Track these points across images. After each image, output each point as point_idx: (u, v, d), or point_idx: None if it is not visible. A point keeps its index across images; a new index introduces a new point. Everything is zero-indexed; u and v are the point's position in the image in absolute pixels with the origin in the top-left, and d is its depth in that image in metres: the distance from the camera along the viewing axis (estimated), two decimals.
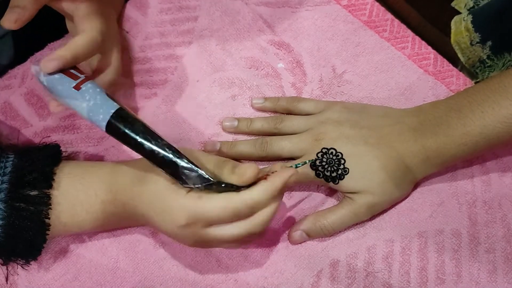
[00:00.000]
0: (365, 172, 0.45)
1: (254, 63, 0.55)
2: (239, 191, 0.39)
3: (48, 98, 0.43)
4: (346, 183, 0.45)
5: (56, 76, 0.40)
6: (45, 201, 0.40)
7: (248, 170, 0.38)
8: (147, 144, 0.38)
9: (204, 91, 0.54)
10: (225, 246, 0.42)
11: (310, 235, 0.46)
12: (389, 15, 0.59)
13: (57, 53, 0.39)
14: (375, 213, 0.47)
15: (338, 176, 0.45)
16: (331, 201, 0.49)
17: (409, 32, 0.58)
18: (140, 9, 0.58)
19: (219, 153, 0.49)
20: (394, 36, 0.57)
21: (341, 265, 0.46)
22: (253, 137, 0.51)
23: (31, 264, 0.43)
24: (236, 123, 0.50)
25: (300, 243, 0.47)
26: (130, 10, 0.58)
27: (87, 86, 0.40)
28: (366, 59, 0.56)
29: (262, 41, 0.57)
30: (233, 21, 0.58)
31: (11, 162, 0.41)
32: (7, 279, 0.44)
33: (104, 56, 0.45)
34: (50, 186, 0.41)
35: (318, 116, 0.49)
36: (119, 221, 0.44)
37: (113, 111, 0.39)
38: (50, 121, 0.51)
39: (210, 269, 0.46)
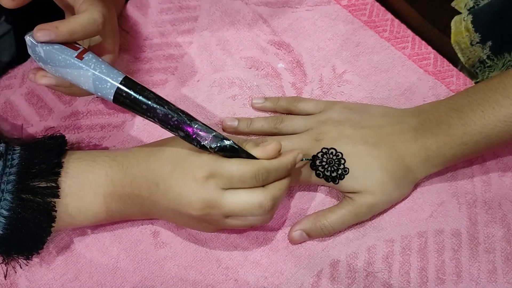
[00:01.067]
0: (365, 172, 0.45)
1: (254, 63, 0.55)
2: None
3: (31, 71, 0.41)
4: (346, 183, 0.45)
5: (56, 46, 0.39)
6: (53, 192, 0.40)
7: (272, 143, 0.41)
8: (160, 108, 0.38)
9: (205, 91, 0.54)
10: (235, 220, 0.41)
11: (310, 235, 0.46)
12: (389, 15, 0.59)
13: (52, 24, 0.38)
14: (375, 213, 0.47)
15: (338, 176, 0.45)
16: (331, 201, 0.49)
17: (409, 32, 0.58)
18: (140, 9, 0.58)
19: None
20: (394, 36, 0.57)
21: (341, 265, 0.46)
22: (253, 137, 0.51)
23: (31, 260, 0.43)
24: (236, 123, 0.51)
25: (300, 243, 0.47)
26: (130, 10, 0.58)
27: (89, 56, 0.39)
28: (366, 59, 0.56)
29: (262, 41, 0.57)
30: (233, 21, 0.58)
31: (18, 154, 0.41)
32: (5, 276, 0.44)
33: (103, 41, 0.45)
34: (58, 176, 0.41)
35: (318, 116, 0.49)
36: (125, 207, 0.43)
37: (121, 78, 0.38)
38: (50, 121, 0.51)
39: (210, 269, 0.46)
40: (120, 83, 0.38)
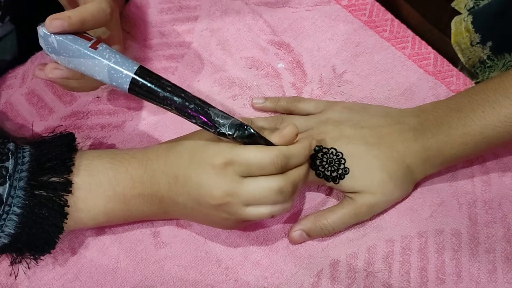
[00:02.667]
0: (365, 172, 0.45)
1: (254, 63, 0.55)
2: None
3: (37, 67, 0.42)
4: (346, 183, 0.45)
5: (69, 36, 0.39)
6: (66, 187, 0.40)
7: (288, 126, 0.40)
8: (177, 96, 0.38)
9: (205, 91, 0.54)
10: (255, 209, 0.40)
11: (310, 235, 0.46)
12: (389, 15, 0.59)
13: (64, 13, 0.38)
14: (376, 213, 0.47)
15: (338, 176, 0.45)
16: (331, 201, 0.49)
17: (409, 32, 0.58)
18: (140, 9, 0.58)
19: None
20: (394, 36, 0.57)
21: (341, 265, 0.46)
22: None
23: (43, 260, 0.42)
24: None
25: (300, 243, 0.47)
26: (130, 10, 0.58)
27: (103, 46, 0.39)
28: (366, 59, 0.56)
29: (262, 41, 0.57)
30: (233, 21, 0.58)
31: (28, 152, 0.40)
32: (16, 276, 0.44)
33: (110, 34, 0.45)
34: (70, 172, 0.41)
35: (319, 116, 0.49)
36: (143, 205, 0.43)
37: (136, 68, 0.38)
38: (51, 121, 0.51)
39: (210, 269, 0.46)
40: (135, 73, 0.38)
